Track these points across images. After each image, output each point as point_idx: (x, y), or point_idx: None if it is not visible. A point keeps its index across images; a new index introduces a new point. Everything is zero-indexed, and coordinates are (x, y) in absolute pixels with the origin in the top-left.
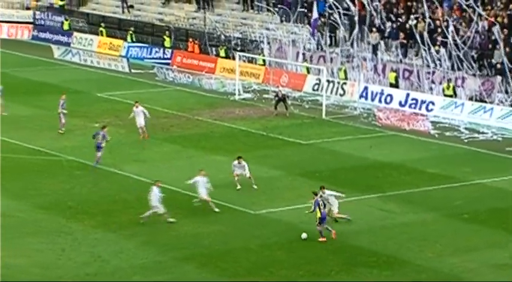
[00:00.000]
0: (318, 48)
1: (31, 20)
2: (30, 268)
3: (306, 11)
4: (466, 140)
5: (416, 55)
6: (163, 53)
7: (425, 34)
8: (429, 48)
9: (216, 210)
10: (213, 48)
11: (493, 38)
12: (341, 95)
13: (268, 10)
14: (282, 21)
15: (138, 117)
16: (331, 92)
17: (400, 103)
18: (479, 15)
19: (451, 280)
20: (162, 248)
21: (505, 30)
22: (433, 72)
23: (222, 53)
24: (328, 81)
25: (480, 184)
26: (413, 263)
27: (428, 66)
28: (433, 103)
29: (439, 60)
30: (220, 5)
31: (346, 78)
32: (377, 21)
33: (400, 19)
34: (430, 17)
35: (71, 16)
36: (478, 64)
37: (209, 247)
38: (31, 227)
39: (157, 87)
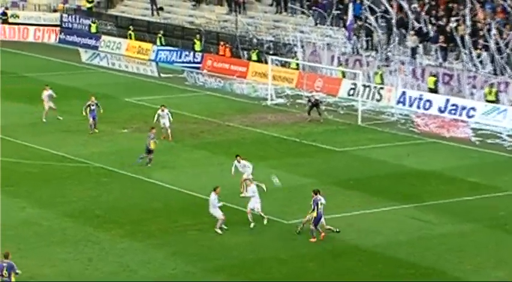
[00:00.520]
0: (353, 52)
1: (58, 23)
2: (56, 278)
3: (341, 13)
4: (508, 148)
5: (457, 59)
6: (194, 56)
7: (467, 37)
8: (470, 52)
9: (265, 222)
10: (245, 52)
11: None
12: (377, 101)
13: (302, 12)
14: (316, 24)
15: (163, 119)
16: (368, 97)
17: (439, 109)
18: None
19: None
20: (191, 258)
21: None
22: (475, 77)
23: (254, 57)
24: (364, 86)
25: None
26: (452, 275)
27: (469, 70)
28: (474, 109)
29: (481, 64)
30: (252, 7)
31: (382, 83)
32: (416, 24)
33: (440, 21)
34: (471, 19)
35: (98, 19)
36: None
37: (239, 258)
38: (57, 236)
39: (187, 92)
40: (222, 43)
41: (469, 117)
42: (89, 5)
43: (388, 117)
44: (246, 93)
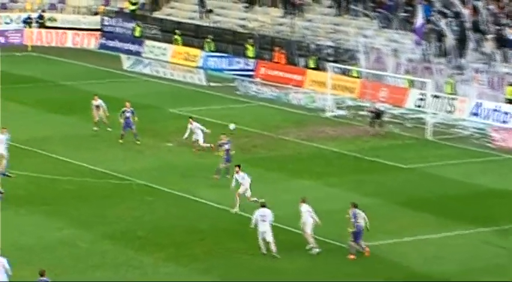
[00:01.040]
0: (423, 59)
1: (98, 27)
2: None
3: (408, 15)
4: None
5: None
6: (246, 63)
7: None
8: None
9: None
10: (302, 59)
11: None
12: (449, 113)
13: (365, 15)
14: (381, 27)
15: (195, 135)
16: (438, 109)
17: None
18: None
19: None
20: None
21: None
22: None
23: (312, 64)
24: (434, 96)
25: None
26: None
27: None
28: None
29: None
30: (310, 9)
31: (455, 93)
32: (493, 28)
33: None
34: None
35: (142, 22)
36: None
37: None
38: (96, 259)
39: (238, 102)
40: (276, 49)
41: None
42: (132, 7)
43: (461, 130)
44: (302, 104)
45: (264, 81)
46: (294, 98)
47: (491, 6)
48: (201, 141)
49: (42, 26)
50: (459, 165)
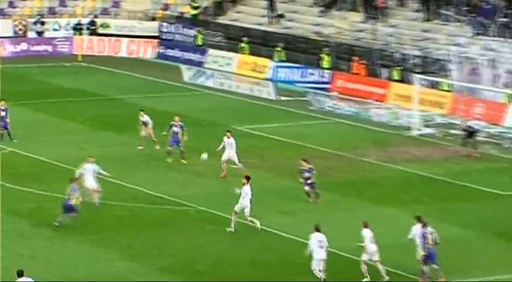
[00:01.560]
0: None
1: (156, 34)
2: None
3: (508, 20)
4: None
5: None
6: (320, 75)
7: None
8: None
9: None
10: (385, 70)
11: None
12: None
13: (457, 20)
14: (476, 34)
15: (229, 149)
16: None
17: None
18: None
19: None
20: None
21: None
22: None
23: (396, 76)
24: None
25: None
26: None
27: None
28: None
29: None
30: (394, 13)
31: None
32: None
33: None
34: None
35: (205, 28)
36: None
37: None
38: None
39: (311, 118)
40: (355, 58)
41: None
42: (194, 12)
43: None
44: (385, 121)
45: (341, 95)
46: (375, 114)
47: None
48: (232, 157)
49: (93, 33)
50: None
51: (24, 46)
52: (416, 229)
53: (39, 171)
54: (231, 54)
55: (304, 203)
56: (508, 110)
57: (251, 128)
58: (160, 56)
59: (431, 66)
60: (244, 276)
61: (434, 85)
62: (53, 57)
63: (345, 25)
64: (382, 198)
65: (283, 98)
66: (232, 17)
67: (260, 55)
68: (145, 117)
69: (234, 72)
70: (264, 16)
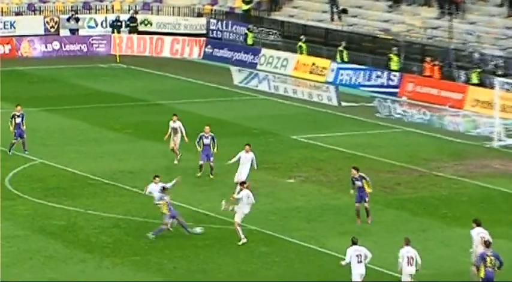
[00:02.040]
0: None
1: (203, 32)
2: None
3: None
4: None
5: None
6: (389, 78)
7: None
8: None
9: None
10: (462, 72)
11: None
12: None
13: None
14: None
15: (244, 166)
16: None
17: None
18: None
19: None
20: None
21: None
22: None
23: (475, 79)
24: None
25: None
26: None
27: None
28: None
29: None
30: (473, 8)
31: None
32: None
33: None
34: None
35: (258, 25)
36: None
37: None
38: None
39: (378, 127)
40: (429, 59)
41: None
42: (245, 7)
43: None
44: (462, 131)
45: (412, 101)
46: (450, 123)
47: None
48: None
49: (133, 30)
50: None
51: (56, 45)
52: (475, 234)
53: (71, 185)
54: (287, 54)
55: (371, 222)
56: None
57: (308, 137)
58: (208, 56)
59: None
60: None
61: None
62: (88, 57)
63: (416, 22)
64: (459, 218)
65: (345, 104)
66: (288, 13)
67: (320, 56)
68: (177, 123)
69: (291, 74)
70: (324, 12)
